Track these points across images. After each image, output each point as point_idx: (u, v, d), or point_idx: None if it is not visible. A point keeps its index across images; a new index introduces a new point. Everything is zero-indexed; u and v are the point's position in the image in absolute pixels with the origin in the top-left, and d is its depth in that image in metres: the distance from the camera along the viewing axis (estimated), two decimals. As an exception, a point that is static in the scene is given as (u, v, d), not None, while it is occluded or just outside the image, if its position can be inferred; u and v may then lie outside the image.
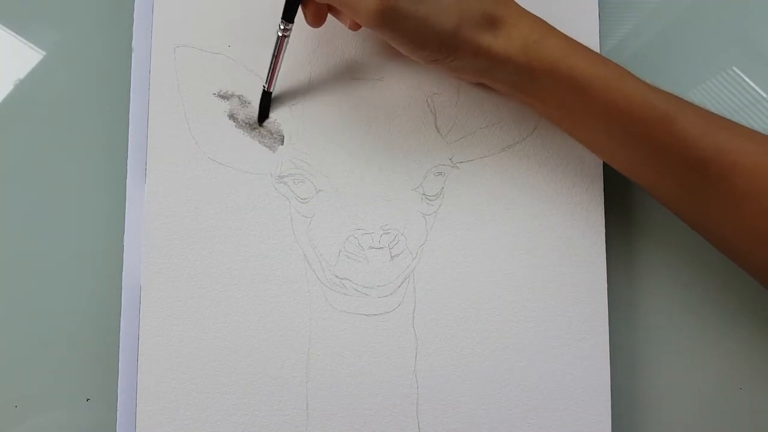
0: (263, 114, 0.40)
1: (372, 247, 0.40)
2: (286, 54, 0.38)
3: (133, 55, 0.41)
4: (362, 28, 0.37)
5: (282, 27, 0.37)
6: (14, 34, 0.43)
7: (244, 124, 0.40)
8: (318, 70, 0.41)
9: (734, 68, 0.44)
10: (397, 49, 0.36)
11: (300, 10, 0.37)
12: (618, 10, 0.44)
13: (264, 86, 0.39)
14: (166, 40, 0.40)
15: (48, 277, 0.41)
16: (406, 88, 0.41)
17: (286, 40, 0.38)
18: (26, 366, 0.41)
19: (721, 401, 0.42)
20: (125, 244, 0.40)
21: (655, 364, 0.42)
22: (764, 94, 0.44)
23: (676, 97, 0.36)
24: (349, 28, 0.38)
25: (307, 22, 0.37)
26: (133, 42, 0.41)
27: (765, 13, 0.45)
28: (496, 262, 0.40)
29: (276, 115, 0.41)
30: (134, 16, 0.41)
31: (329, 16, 0.38)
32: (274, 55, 0.38)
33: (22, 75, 0.43)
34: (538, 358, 0.40)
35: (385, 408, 0.39)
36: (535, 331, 0.40)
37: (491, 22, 0.35)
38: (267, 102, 0.40)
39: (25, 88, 0.43)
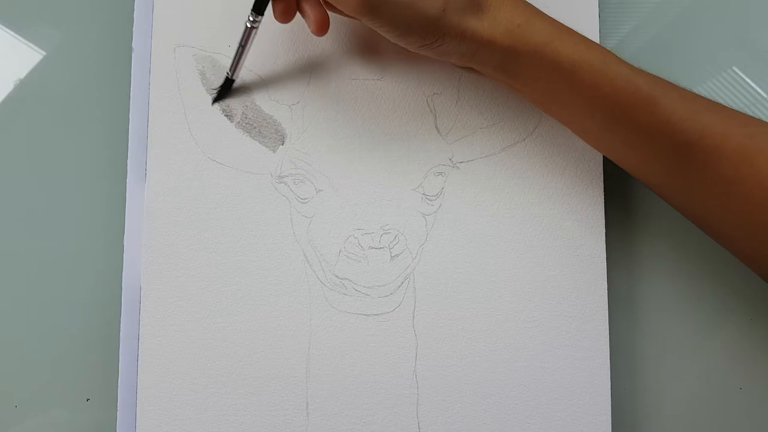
0: (219, 98, 0.40)
1: (372, 247, 0.40)
2: (286, 53, 0.38)
3: (133, 55, 0.41)
4: (325, 34, 0.37)
5: (251, 19, 0.37)
6: (14, 34, 0.43)
7: (244, 124, 0.40)
8: (318, 70, 0.41)
9: (734, 68, 0.44)
10: (384, 36, 0.36)
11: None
12: (618, 10, 0.44)
13: (228, 73, 0.39)
14: (166, 40, 0.40)
15: (48, 276, 0.41)
16: (406, 88, 0.41)
17: (254, 31, 0.38)
18: (26, 366, 0.41)
19: (721, 401, 0.42)
20: (125, 244, 0.40)
21: (655, 363, 0.42)
22: (764, 94, 0.44)
23: (662, 79, 0.35)
24: (313, 32, 0.37)
25: (276, 18, 0.37)
26: (133, 42, 0.41)
27: (765, 13, 0.45)
28: (496, 262, 0.40)
29: (276, 115, 0.41)
30: (134, 16, 0.41)
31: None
32: (240, 44, 0.38)
33: (22, 75, 0.43)
34: (538, 358, 0.40)
35: (385, 408, 0.39)
36: (535, 331, 0.40)
37: (476, 6, 0.35)
38: (227, 89, 0.40)
39: (25, 88, 0.43)
